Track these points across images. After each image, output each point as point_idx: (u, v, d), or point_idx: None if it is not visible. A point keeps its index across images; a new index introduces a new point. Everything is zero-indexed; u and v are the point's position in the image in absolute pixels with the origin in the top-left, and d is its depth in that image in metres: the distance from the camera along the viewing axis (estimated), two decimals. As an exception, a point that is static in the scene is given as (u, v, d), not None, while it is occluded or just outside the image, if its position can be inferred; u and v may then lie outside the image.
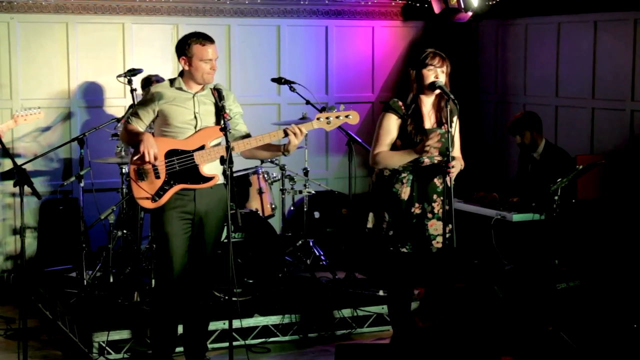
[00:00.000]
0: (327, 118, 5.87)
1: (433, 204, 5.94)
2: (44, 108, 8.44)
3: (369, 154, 6.14)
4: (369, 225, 6.04)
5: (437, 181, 5.96)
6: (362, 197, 9.24)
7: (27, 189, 5.49)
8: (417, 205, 5.92)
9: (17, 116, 7.40)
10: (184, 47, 5.87)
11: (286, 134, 5.81)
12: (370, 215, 6.03)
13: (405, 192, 5.92)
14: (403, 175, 5.93)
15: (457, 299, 6.06)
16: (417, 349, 5.86)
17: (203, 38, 5.87)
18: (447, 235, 5.88)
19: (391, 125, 5.96)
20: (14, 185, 5.56)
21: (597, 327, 6.58)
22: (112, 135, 7.63)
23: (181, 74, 5.97)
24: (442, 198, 5.86)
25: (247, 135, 6.01)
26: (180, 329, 6.31)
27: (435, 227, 5.94)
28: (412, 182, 5.93)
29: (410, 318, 6.13)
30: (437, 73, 5.91)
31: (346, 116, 5.90)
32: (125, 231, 7.68)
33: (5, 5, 8.22)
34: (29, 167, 7.61)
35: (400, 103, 5.97)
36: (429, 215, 5.94)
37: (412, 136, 5.90)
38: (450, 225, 5.84)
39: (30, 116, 7.45)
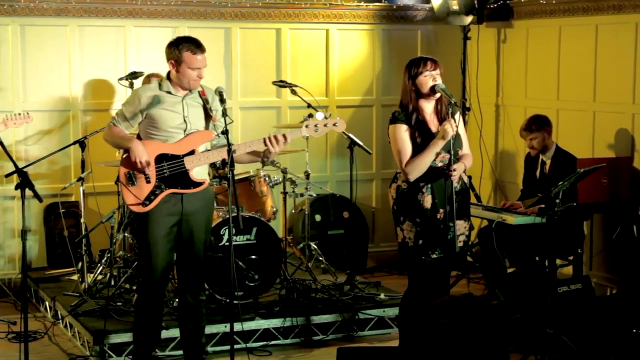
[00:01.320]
0: (315, 125, 5.90)
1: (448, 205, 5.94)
2: (46, 111, 8.46)
3: (370, 157, 6.16)
4: (399, 239, 6.04)
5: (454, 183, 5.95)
6: (365, 201, 9.26)
7: (28, 191, 5.50)
8: (441, 210, 5.92)
9: (7, 120, 7.37)
10: (174, 51, 5.83)
11: (265, 144, 5.81)
12: (397, 229, 6.02)
13: (427, 201, 5.92)
14: (422, 184, 5.93)
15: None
16: (437, 349, 5.85)
17: (195, 46, 5.81)
18: (451, 237, 5.91)
19: (404, 134, 5.95)
20: (16, 188, 5.56)
21: (599, 331, 6.58)
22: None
23: (168, 76, 5.93)
24: (459, 197, 5.88)
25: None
26: (178, 332, 6.32)
27: (457, 227, 5.94)
28: (431, 190, 5.93)
29: (436, 320, 6.10)
30: (434, 77, 5.93)
31: (334, 124, 5.94)
32: (126, 234, 7.68)
33: (7, 8, 8.22)
34: (30, 170, 7.60)
35: (405, 113, 5.98)
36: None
37: (421, 145, 5.91)
38: (463, 224, 5.89)
39: (19, 120, 7.42)
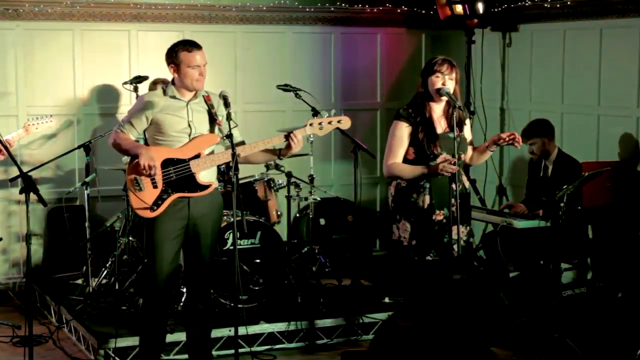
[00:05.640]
0: (319, 124, 5.91)
1: (453, 209, 5.93)
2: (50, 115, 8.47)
3: (374, 161, 6.17)
4: (394, 237, 6.04)
5: (454, 186, 5.94)
6: (369, 205, 9.26)
7: (33, 196, 5.50)
8: (437, 212, 5.92)
9: (29, 125, 7.33)
10: (171, 55, 5.88)
11: (287, 139, 5.84)
12: (394, 227, 6.03)
13: (424, 201, 5.92)
14: (420, 184, 5.93)
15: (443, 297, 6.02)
16: (397, 350, 5.82)
17: (190, 45, 5.88)
18: (458, 240, 5.90)
19: (403, 133, 5.98)
20: (20, 193, 5.56)
21: (603, 334, 6.57)
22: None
23: (173, 82, 5.96)
24: (458, 201, 5.87)
25: (242, 142, 6.01)
26: (183, 336, 6.32)
27: (455, 231, 5.93)
28: (430, 190, 5.93)
29: (392, 319, 6.10)
30: (444, 80, 5.91)
31: (338, 121, 5.93)
32: (131, 238, 7.68)
33: (12, 12, 8.23)
34: (34, 174, 7.62)
35: (410, 110, 5.98)
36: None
37: (424, 143, 5.91)
38: (461, 229, 5.88)
39: (41, 125, 7.39)
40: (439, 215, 5.92)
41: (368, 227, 9.03)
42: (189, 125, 5.88)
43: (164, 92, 5.93)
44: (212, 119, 5.91)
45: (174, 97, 5.89)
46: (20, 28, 8.32)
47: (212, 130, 5.93)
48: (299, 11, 9.12)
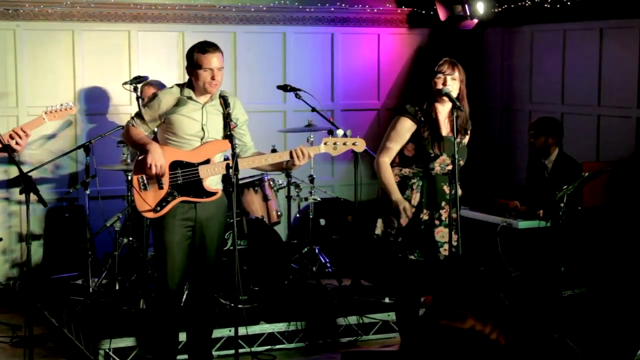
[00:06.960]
0: (334, 143, 5.91)
1: (441, 211, 5.94)
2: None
3: (374, 161, 6.15)
4: (377, 231, 6.04)
5: (446, 188, 5.96)
6: (369, 203, 9.26)
7: (33, 196, 5.49)
8: (425, 211, 5.91)
9: (47, 112, 7.07)
10: (188, 56, 5.85)
11: (291, 156, 5.81)
12: (379, 221, 6.03)
13: (415, 198, 5.92)
14: (413, 181, 5.93)
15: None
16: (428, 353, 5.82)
17: (206, 46, 5.79)
18: (454, 244, 5.89)
19: (405, 129, 5.96)
20: (20, 193, 5.56)
21: (604, 334, 6.57)
22: (117, 142, 7.64)
23: (190, 82, 5.91)
24: (449, 205, 5.88)
25: (256, 154, 5.98)
26: (184, 336, 6.32)
27: (442, 234, 5.94)
28: (421, 189, 5.93)
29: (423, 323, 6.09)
30: (445, 80, 5.91)
31: (353, 143, 5.94)
32: (131, 238, 7.68)
33: (12, 12, 8.23)
34: (34, 174, 7.61)
35: (417, 108, 5.97)
36: (437, 222, 5.93)
37: (427, 142, 5.90)
38: (456, 234, 5.85)
39: (60, 112, 7.16)
40: (425, 215, 5.92)
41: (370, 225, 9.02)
42: (203, 129, 5.82)
43: (181, 92, 5.86)
44: (227, 123, 5.84)
45: (190, 98, 5.82)
46: (20, 28, 8.32)
47: (225, 135, 5.89)
48: (299, 11, 9.12)
